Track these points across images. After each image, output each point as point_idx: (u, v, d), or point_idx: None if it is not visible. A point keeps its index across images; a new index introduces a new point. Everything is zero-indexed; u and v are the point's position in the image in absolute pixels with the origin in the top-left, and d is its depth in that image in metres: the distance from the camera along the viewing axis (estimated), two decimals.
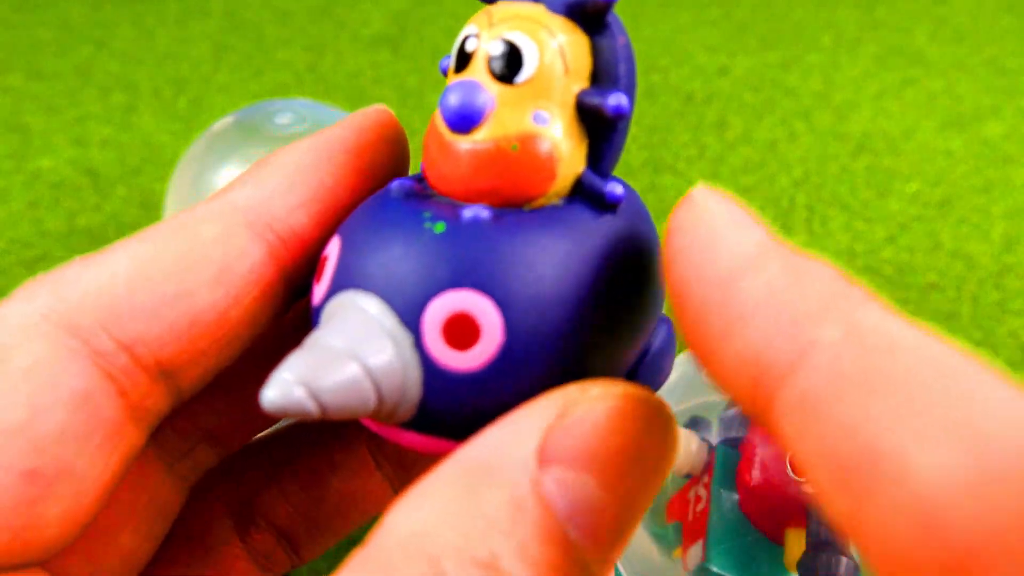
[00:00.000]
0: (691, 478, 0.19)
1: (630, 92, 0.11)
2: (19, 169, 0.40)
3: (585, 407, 0.09)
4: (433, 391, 0.10)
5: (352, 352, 0.10)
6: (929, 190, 0.41)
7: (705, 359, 0.09)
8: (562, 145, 0.11)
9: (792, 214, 0.39)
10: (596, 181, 0.11)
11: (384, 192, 0.11)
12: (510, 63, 0.11)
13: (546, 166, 0.11)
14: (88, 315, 0.10)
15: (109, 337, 0.10)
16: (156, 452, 0.13)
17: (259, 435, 0.15)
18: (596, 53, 0.11)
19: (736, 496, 0.18)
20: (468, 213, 0.10)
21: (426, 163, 0.11)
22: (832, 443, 0.07)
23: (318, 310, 0.11)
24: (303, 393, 0.09)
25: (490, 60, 0.11)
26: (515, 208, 0.11)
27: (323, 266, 0.11)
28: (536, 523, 0.08)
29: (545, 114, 0.11)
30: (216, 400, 0.13)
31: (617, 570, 0.20)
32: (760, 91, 0.47)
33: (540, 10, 0.11)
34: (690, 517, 0.19)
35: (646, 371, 0.12)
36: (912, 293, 0.35)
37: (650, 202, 0.39)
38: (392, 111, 0.13)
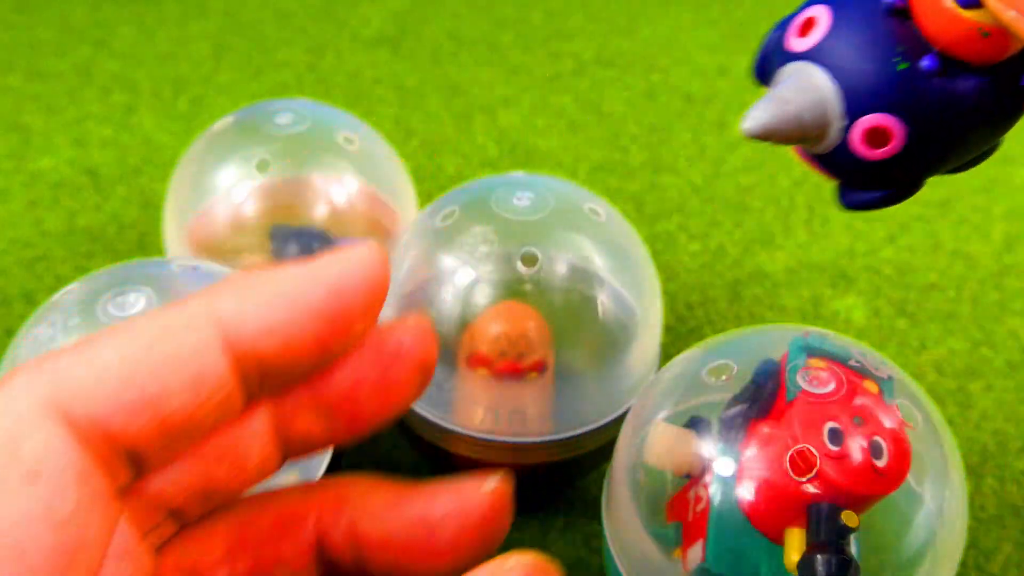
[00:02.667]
0: (691, 478, 0.19)
1: None
2: (19, 169, 0.40)
3: None
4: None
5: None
6: (929, 190, 0.40)
7: None
8: None
9: (792, 214, 0.39)
10: None
11: None
12: None
13: None
14: (81, 410, 0.13)
15: (96, 429, 0.13)
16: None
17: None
18: None
19: None
20: (925, 64, 0.13)
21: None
22: None
23: (813, 51, 0.15)
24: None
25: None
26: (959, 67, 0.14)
27: (811, 26, 0.15)
28: None
29: None
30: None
31: (616, 569, 0.20)
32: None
33: None
34: (690, 517, 0.19)
35: None
36: (912, 293, 0.35)
37: (650, 202, 0.39)
38: (385, 255, 0.15)
